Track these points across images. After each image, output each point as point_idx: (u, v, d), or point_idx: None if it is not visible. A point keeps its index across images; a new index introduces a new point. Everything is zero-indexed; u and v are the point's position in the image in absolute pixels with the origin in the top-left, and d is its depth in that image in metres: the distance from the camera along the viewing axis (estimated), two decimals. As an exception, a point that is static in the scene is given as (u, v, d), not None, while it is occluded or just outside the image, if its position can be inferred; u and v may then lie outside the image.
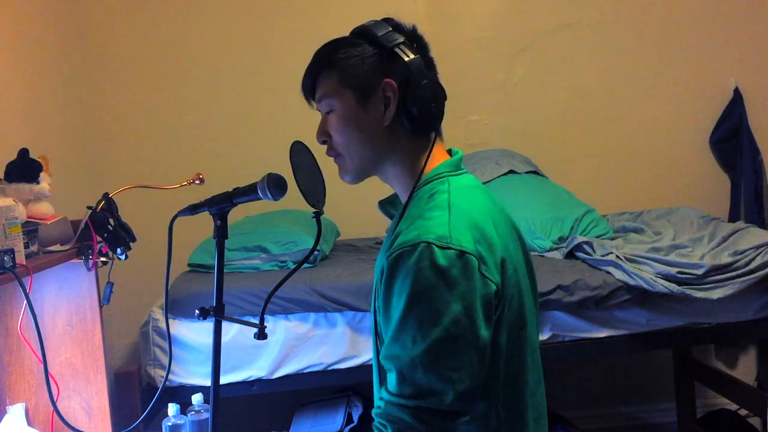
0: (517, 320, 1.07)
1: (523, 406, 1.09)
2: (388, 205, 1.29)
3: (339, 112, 1.14)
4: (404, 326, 0.99)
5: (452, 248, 0.99)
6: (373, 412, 1.04)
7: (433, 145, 1.16)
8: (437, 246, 0.98)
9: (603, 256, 2.34)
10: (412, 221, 1.05)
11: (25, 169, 1.77)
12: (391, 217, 1.32)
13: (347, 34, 1.20)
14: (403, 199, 1.18)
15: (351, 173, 1.18)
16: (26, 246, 1.64)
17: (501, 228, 1.10)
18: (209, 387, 1.26)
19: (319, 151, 1.22)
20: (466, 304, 0.98)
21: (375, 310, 1.11)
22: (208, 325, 1.94)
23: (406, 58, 1.10)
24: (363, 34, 1.15)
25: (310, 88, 1.18)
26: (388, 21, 1.16)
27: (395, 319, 1.00)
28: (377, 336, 1.12)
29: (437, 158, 1.16)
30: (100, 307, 1.89)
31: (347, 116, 1.13)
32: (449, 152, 1.21)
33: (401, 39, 1.12)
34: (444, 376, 0.97)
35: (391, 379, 1.01)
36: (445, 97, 1.14)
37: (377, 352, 1.13)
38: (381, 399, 1.02)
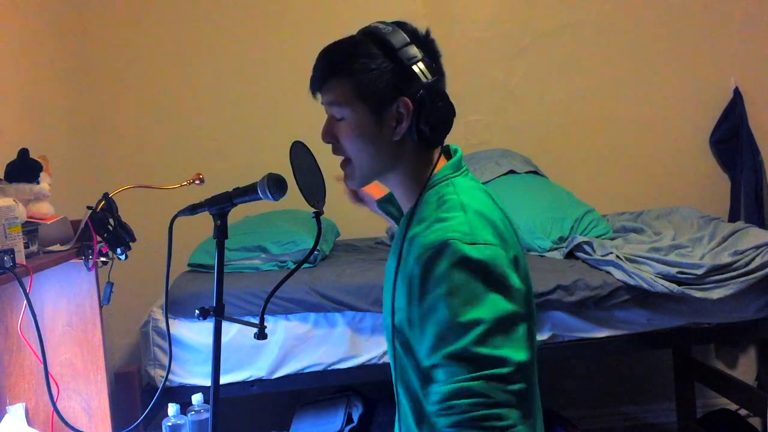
0: (530, 313, 1.11)
1: (534, 396, 1.13)
2: (386, 203, 1.31)
3: (351, 122, 1.14)
4: (452, 323, 1.00)
5: (478, 243, 1.03)
6: (430, 409, 1.03)
7: (438, 158, 1.18)
8: (464, 243, 1.02)
9: (603, 256, 2.34)
10: (429, 224, 1.08)
11: (25, 169, 1.77)
12: (389, 214, 1.34)
13: (348, 33, 1.18)
14: (404, 202, 1.21)
15: (358, 180, 1.20)
16: (26, 246, 1.64)
17: (506, 225, 1.14)
18: (209, 387, 1.26)
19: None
20: (503, 289, 1.02)
21: (393, 312, 1.12)
22: (208, 325, 1.94)
23: (424, 80, 1.10)
24: (380, 42, 1.13)
25: (318, 86, 1.17)
26: (402, 26, 1.15)
27: (443, 319, 1.01)
28: (396, 336, 1.12)
29: (439, 162, 1.19)
30: (100, 307, 1.89)
31: (359, 128, 1.14)
32: (447, 149, 1.22)
33: (420, 56, 1.12)
34: (502, 354, 0.99)
35: (450, 372, 1.00)
36: (454, 115, 1.15)
37: (395, 352, 1.13)
38: (438, 393, 1.01)
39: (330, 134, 1.17)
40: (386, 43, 1.12)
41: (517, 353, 1.01)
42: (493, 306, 1.01)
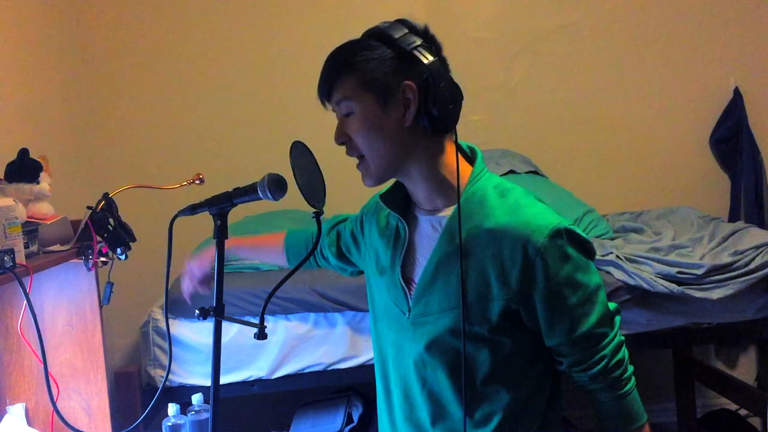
0: None
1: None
2: (389, 199, 1.28)
3: (360, 115, 1.15)
4: (590, 292, 1.15)
5: (571, 224, 1.15)
6: (596, 371, 1.18)
7: (456, 145, 1.19)
8: (567, 225, 1.13)
9: (603, 256, 2.34)
10: (512, 212, 1.14)
11: (25, 169, 1.77)
12: (391, 208, 1.29)
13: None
14: (426, 194, 1.21)
15: (374, 176, 1.19)
16: (26, 246, 1.63)
17: None
18: (209, 387, 1.26)
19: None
20: (593, 258, 1.19)
21: (465, 306, 1.15)
22: (208, 325, 1.95)
23: (425, 61, 1.12)
24: (379, 36, 1.15)
25: (326, 91, 1.18)
26: (402, 22, 1.16)
27: (582, 291, 1.15)
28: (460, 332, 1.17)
29: (453, 155, 1.19)
30: (100, 307, 1.89)
31: (368, 119, 1.14)
32: (460, 146, 1.22)
33: (419, 41, 1.13)
34: (615, 305, 1.23)
35: (604, 333, 1.17)
36: (462, 98, 1.16)
37: (443, 350, 1.20)
38: (606, 353, 1.17)
39: (342, 134, 1.18)
40: (385, 34, 1.14)
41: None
42: (597, 271, 1.19)
